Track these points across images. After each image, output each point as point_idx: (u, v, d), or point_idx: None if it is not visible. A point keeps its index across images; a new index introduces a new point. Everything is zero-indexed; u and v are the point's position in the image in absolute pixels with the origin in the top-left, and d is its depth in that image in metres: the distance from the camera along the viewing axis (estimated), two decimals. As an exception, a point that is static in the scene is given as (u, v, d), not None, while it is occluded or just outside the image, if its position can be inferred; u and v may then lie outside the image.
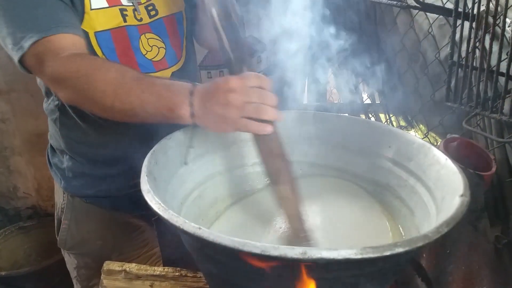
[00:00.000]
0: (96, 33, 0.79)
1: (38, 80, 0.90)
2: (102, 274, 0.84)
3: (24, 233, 1.86)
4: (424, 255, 0.81)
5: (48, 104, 0.91)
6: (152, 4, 0.85)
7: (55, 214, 1.02)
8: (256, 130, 0.63)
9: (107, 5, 0.79)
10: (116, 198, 0.95)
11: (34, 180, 1.85)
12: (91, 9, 0.77)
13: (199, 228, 0.45)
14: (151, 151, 0.67)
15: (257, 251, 0.42)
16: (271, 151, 0.66)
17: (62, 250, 1.04)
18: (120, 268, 0.84)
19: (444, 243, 0.84)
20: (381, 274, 0.51)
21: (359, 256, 0.42)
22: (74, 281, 1.06)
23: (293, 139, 0.84)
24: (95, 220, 0.97)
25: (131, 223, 1.00)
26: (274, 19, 0.79)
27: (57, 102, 0.88)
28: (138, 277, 0.83)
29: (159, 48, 0.86)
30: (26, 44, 0.70)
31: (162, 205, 0.51)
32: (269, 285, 0.49)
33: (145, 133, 0.89)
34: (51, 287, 1.71)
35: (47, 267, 1.66)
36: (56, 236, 1.01)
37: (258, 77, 0.63)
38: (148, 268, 0.84)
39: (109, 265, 0.85)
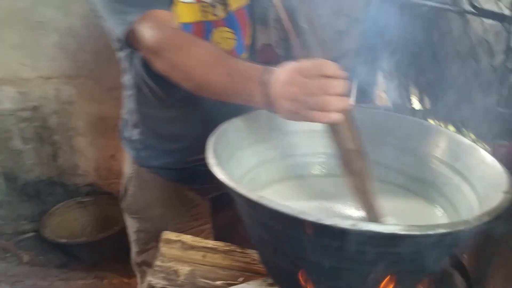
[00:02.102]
0: (181, 24, 0.87)
1: (118, 55, 1.00)
2: (160, 242, 0.93)
3: (82, 207, 2.03)
4: (465, 256, 0.83)
5: (126, 81, 1.02)
6: (225, 1, 0.93)
7: (122, 183, 1.13)
8: (321, 120, 0.62)
9: (192, 0, 0.88)
10: (177, 171, 1.05)
11: (94, 160, 2.01)
12: (179, 1, 0.87)
13: (261, 197, 0.52)
14: (215, 132, 0.74)
15: (313, 219, 0.48)
16: (341, 139, 0.66)
17: (125, 215, 1.15)
18: (176, 238, 0.93)
19: (485, 247, 0.86)
20: (422, 257, 0.55)
21: (404, 232, 0.47)
22: (133, 244, 1.16)
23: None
24: (157, 189, 1.07)
25: (187, 196, 1.09)
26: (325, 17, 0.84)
27: (133, 80, 0.99)
28: (192, 247, 0.91)
29: (230, 40, 0.95)
30: (133, 18, 0.79)
31: (228, 176, 0.59)
32: (317, 254, 0.55)
33: (210, 115, 0.98)
34: (103, 258, 1.86)
35: (101, 240, 1.81)
36: (121, 203, 1.14)
37: (319, 66, 0.62)
38: (202, 240, 0.92)
39: (167, 234, 0.94)
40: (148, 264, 1.18)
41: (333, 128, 0.65)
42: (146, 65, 0.94)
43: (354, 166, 0.67)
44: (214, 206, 1.10)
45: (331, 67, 0.61)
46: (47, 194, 2.06)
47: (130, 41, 0.83)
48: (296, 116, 0.64)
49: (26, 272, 1.84)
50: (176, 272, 0.88)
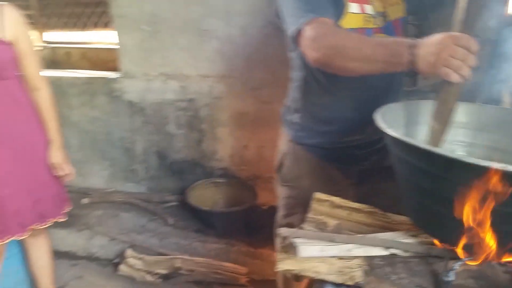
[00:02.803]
0: (347, 28, 1.12)
1: (290, 55, 1.28)
2: (312, 201, 1.17)
3: (215, 187, 2.40)
4: None
5: (295, 75, 1.29)
6: (385, 12, 1.17)
7: (277, 158, 1.41)
8: (451, 78, 0.84)
9: (358, 12, 1.14)
10: (327, 150, 1.28)
11: (230, 148, 2.37)
12: (349, 12, 1.12)
13: (429, 146, 0.74)
14: (378, 111, 0.96)
15: (471, 161, 0.68)
16: (449, 94, 0.89)
17: (277, 184, 1.41)
18: (326, 198, 1.16)
19: None
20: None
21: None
22: (281, 208, 1.41)
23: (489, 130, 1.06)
24: (308, 164, 1.31)
25: (331, 173, 1.31)
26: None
27: (301, 74, 1.25)
28: (339, 206, 1.13)
29: None
30: (302, 20, 1.04)
31: (400, 134, 0.81)
32: (467, 194, 0.74)
33: (360, 102, 1.21)
34: (232, 228, 2.19)
35: (234, 212, 2.16)
36: (275, 174, 1.41)
37: (468, 40, 0.82)
38: (348, 202, 1.14)
39: (318, 195, 1.18)
40: (291, 226, 1.43)
41: (449, 85, 0.88)
42: None
43: (440, 115, 0.92)
44: (362, 178, 1.31)
45: (476, 45, 0.84)
46: (188, 173, 2.47)
47: (298, 38, 1.08)
48: (434, 69, 0.86)
49: (171, 232, 2.24)
50: (325, 223, 1.11)
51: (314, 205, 1.17)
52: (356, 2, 1.14)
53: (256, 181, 2.39)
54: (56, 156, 1.64)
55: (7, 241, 1.60)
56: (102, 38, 3.30)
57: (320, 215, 1.13)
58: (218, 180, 2.39)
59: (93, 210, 2.45)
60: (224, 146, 2.36)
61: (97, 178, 2.64)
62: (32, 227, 1.64)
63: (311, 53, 1.05)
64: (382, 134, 1.32)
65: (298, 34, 1.07)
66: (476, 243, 0.79)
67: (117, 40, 2.28)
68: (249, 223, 2.22)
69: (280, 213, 1.43)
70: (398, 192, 1.00)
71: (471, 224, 0.77)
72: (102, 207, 2.48)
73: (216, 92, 2.25)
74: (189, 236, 2.19)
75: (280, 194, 1.43)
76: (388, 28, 1.18)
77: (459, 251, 0.83)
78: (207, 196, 2.34)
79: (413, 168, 0.83)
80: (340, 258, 0.93)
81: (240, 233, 2.15)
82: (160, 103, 2.34)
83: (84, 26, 3.32)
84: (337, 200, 1.16)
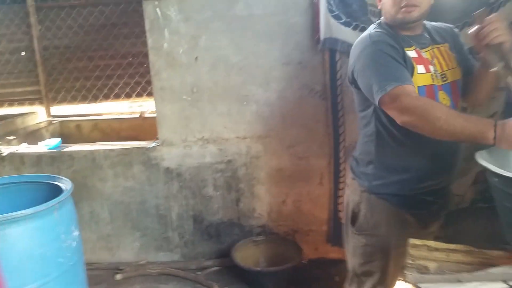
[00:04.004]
0: (418, 87, 1.28)
1: (362, 114, 1.42)
2: (408, 247, 1.25)
3: (255, 245, 2.41)
4: None
5: (367, 131, 1.42)
6: (445, 74, 1.34)
7: (349, 210, 1.49)
8: None
9: (425, 72, 1.31)
10: (400, 197, 1.38)
11: (268, 205, 2.42)
12: (417, 73, 1.29)
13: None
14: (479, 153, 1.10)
15: None
16: None
17: (352, 234, 1.48)
18: (421, 243, 1.25)
19: None
20: None
21: None
22: (358, 257, 1.48)
23: None
24: (384, 211, 1.40)
25: (404, 219, 1.40)
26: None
27: (374, 129, 1.38)
28: (436, 249, 1.22)
29: (447, 101, 1.33)
30: (388, 88, 1.19)
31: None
32: None
33: (432, 150, 1.34)
34: (281, 285, 2.19)
35: (282, 270, 2.16)
36: (350, 224, 1.48)
37: None
38: (443, 244, 1.22)
39: (413, 241, 1.25)
40: (369, 274, 1.48)
41: None
42: (390, 117, 1.34)
43: None
44: (448, 221, 1.41)
45: None
46: (225, 234, 2.48)
47: (385, 102, 1.23)
48: None
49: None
50: (426, 267, 1.19)
51: (411, 251, 1.24)
52: (421, 64, 1.32)
53: (295, 236, 2.43)
54: None
55: None
56: (112, 109, 3.40)
57: (419, 260, 1.21)
58: (257, 239, 2.42)
59: (129, 286, 2.36)
60: (261, 204, 2.42)
61: (127, 251, 2.59)
62: None
63: (402, 117, 1.19)
64: (450, 181, 1.44)
65: (385, 99, 1.22)
66: None
67: (156, 110, 2.37)
68: (294, 279, 2.23)
69: (357, 261, 1.50)
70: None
71: None
72: (138, 281, 2.39)
73: (254, 151, 2.35)
74: (242, 301, 2.15)
75: (356, 244, 1.49)
76: (447, 88, 1.34)
77: None
78: (248, 256, 2.34)
79: None
80: (461, 297, 1.01)
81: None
82: (198, 167, 2.40)
83: (94, 99, 3.41)
84: (432, 243, 1.24)
